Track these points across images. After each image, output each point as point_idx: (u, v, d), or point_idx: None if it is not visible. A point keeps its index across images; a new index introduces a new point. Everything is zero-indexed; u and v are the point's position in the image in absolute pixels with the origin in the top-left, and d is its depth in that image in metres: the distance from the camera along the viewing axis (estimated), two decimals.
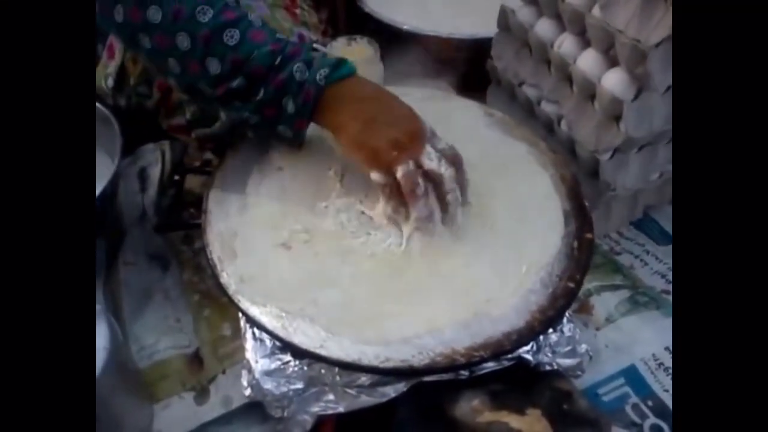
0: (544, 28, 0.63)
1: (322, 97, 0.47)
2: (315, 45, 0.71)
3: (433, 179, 0.46)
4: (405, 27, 0.79)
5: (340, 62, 0.48)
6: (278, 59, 0.47)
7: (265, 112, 0.49)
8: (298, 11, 0.74)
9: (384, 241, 0.48)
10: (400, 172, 0.45)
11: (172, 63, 0.48)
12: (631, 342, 0.54)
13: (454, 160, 0.48)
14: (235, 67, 0.47)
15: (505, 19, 0.67)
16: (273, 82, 0.47)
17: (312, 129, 0.52)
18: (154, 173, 0.69)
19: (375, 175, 0.47)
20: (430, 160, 0.46)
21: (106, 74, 0.69)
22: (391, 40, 0.77)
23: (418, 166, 0.46)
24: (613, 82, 0.54)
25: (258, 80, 0.47)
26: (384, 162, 0.46)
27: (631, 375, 0.52)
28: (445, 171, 0.46)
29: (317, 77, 0.47)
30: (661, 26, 0.49)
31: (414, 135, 0.47)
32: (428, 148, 0.46)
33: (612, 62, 0.56)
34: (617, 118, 0.55)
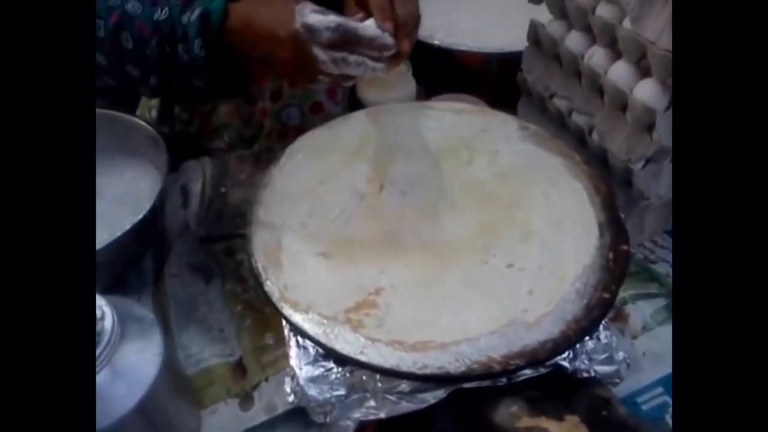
0: (574, 40, 0.63)
1: (218, 53, 0.47)
2: None
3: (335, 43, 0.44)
4: (436, 42, 0.80)
5: (205, 17, 0.47)
6: (167, 47, 0.48)
7: (184, 95, 0.52)
8: None
9: (422, 251, 0.49)
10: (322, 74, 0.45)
11: (109, 80, 0.51)
12: (668, 351, 0.53)
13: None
14: (146, 68, 0.49)
15: (535, 32, 0.68)
16: (177, 68, 0.48)
17: (352, 143, 0.53)
18: (196, 188, 0.72)
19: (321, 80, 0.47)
20: (309, 17, 0.43)
21: (149, 106, 0.73)
22: (422, 55, 0.78)
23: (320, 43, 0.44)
24: (646, 92, 0.55)
25: (167, 73, 0.49)
26: (303, 81, 0.48)
27: (671, 384, 0.52)
28: (325, 21, 0.43)
29: (196, 49, 0.47)
30: None
31: (284, 6, 0.44)
32: (305, 6, 0.44)
33: (643, 73, 0.56)
34: (649, 128, 0.55)
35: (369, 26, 0.45)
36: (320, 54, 0.43)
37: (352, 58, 0.44)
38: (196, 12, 0.47)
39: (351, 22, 0.44)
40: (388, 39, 0.45)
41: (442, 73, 0.82)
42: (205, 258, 0.63)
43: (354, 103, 0.75)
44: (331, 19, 0.43)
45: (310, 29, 0.43)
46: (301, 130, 0.71)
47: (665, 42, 0.51)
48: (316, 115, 0.73)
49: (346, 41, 0.44)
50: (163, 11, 0.48)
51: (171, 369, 0.44)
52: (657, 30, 0.52)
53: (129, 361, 0.41)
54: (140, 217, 0.53)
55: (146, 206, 0.54)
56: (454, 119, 0.63)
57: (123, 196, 0.62)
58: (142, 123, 0.63)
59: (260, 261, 0.49)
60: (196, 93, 0.50)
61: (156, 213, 0.57)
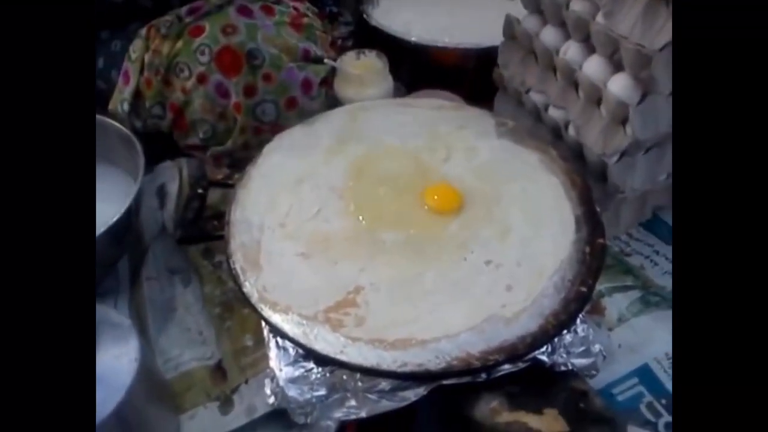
0: (549, 35, 0.64)
1: None
2: (325, 60, 0.73)
3: None
4: (412, 39, 0.80)
5: None
6: None
7: None
8: (304, 20, 0.75)
9: (400, 249, 0.49)
10: None
11: None
12: (643, 342, 0.55)
13: None
14: None
15: (510, 28, 0.69)
16: None
17: (330, 141, 0.53)
18: (173, 190, 0.71)
19: None
20: None
21: (121, 99, 0.72)
22: (399, 52, 0.78)
23: None
24: (619, 86, 0.56)
25: None
26: None
27: (645, 374, 0.53)
28: None
29: None
30: (664, 31, 0.50)
31: None
32: None
33: (617, 67, 0.57)
34: (623, 122, 0.56)
35: None
36: None
37: None
38: None
39: None
40: None
41: (420, 69, 0.82)
42: (183, 260, 0.63)
43: (331, 100, 0.74)
44: None
45: None
46: (276, 125, 0.70)
47: (637, 36, 0.52)
48: (290, 111, 0.72)
49: None
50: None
51: (148, 374, 0.44)
52: (629, 25, 0.53)
53: (105, 367, 0.40)
54: (114, 220, 0.52)
55: (121, 209, 0.53)
56: (432, 116, 0.63)
57: (97, 199, 0.61)
58: (117, 124, 0.63)
59: (239, 262, 0.48)
60: None
61: (131, 215, 0.56)
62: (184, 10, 0.70)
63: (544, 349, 0.45)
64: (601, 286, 0.58)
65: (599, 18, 0.56)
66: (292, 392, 0.44)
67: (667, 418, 0.49)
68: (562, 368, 0.45)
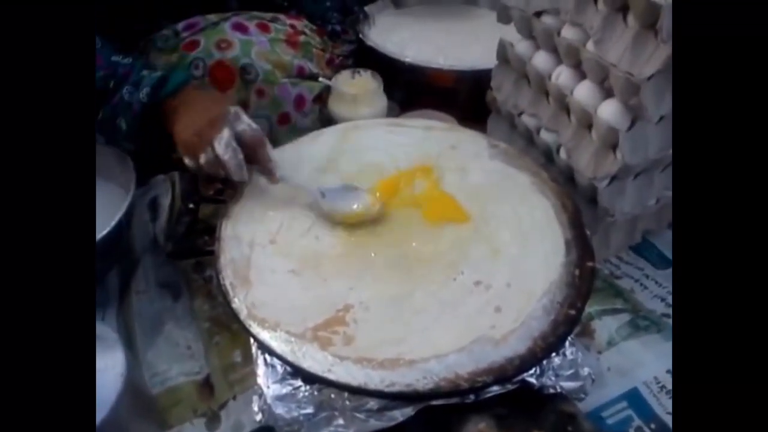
0: (541, 60, 0.65)
1: (157, 111, 0.55)
2: (320, 78, 0.73)
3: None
4: (407, 60, 0.81)
5: (164, 80, 0.55)
6: (111, 83, 0.54)
7: (105, 130, 0.56)
8: (301, 38, 0.76)
9: (390, 268, 0.49)
10: (202, 159, 0.51)
11: None
12: (633, 365, 0.55)
13: (250, 141, 0.52)
14: None
15: (504, 52, 0.70)
16: (108, 105, 0.54)
17: (323, 159, 0.54)
18: (165, 203, 0.71)
19: (186, 161, 0.54)
20: (220, 146, 0.50)
21: None
22: (394, 72, 0.79)
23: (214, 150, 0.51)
24: (609, 112, 0.56)
25: (97, 104, 0.55)
26: (189, 150, 0.52)
27: (634, 398, 0.53)
28: (229, 157, 0.50)
29: (141, 96, 0.54)
30: (653, 60, 0.51)
31: (213, 121, 0.51)
32: (224, 133, 0.50)
33: (607, 93, 0.58)
34: (614, 147, 0.57)
35: (270, 147, 0.54)
36: (226, 133, 0.50)
37: (240, 156, 0.51)
38: (158, 72, 0.56)
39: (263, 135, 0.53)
40: (273, 168, 0.53)
41: (414, 89, 0.83)
42: (173, 274, 0.63)
43: (324, 117, 0.75)
44: (254, 123, 0.53)
45: (237, 115, 0.52)
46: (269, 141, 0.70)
47: (626, 65, 0.53)
48: (283, 126, 0.73)
49: (250, 142, 0.52)
50: (126, 58, 0.56)
51: (134, 389, 0.44)
52: (618, 53, 0.54)
53: None
54: (103, 233, 0.52)
55: (111, 222, 0.53)
56: (425, 136, 0.64)
57: None
58: None
59: (228, 278, 0.48)
60: (111, 132, 0.56)
61: (121, 229, 0.56)
62: (181, 25, 0.71)
63: (532, 371, 0.45)
64: (590, 308, 0.59)
65: (590, 45, 0.57)
66: (280, 410, 0.43)
67: None
68: (551, 391, 0.45)
